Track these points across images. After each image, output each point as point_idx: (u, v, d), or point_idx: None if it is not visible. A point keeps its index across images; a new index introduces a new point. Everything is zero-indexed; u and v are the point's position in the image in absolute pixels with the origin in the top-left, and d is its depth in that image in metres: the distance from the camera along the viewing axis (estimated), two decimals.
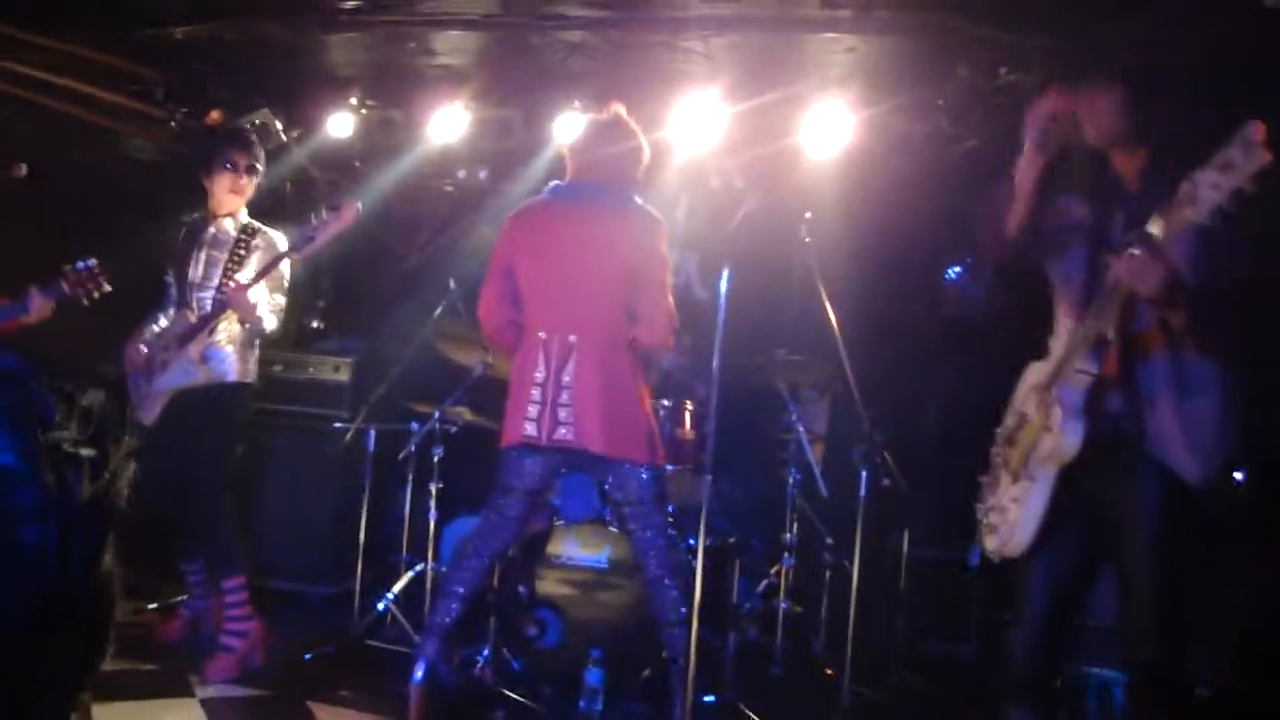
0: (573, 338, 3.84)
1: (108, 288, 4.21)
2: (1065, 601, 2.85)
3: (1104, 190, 2.80)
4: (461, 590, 3.97)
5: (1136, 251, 2.48)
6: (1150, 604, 2.62)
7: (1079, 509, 2.73)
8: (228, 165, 4.54)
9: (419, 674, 3.87)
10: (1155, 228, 2.47)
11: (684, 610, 3.87)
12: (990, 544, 2.91)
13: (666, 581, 3.92)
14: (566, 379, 3.82)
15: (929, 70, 4.81)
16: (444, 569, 4.24)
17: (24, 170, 4.26)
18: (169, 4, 4.77)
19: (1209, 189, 2.27)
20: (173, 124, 5.76)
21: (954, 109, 4.96)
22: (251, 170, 4.59)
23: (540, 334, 3.88)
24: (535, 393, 3.85)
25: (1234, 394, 2.62)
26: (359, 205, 4.42)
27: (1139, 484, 2.62)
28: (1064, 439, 2.66)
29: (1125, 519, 2.66)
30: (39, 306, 4.16)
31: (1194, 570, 2.67)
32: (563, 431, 3.81)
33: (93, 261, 4.18)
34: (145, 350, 4.51)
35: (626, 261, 3.87)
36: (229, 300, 4.35)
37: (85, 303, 4.18)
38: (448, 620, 3.95)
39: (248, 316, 4.38)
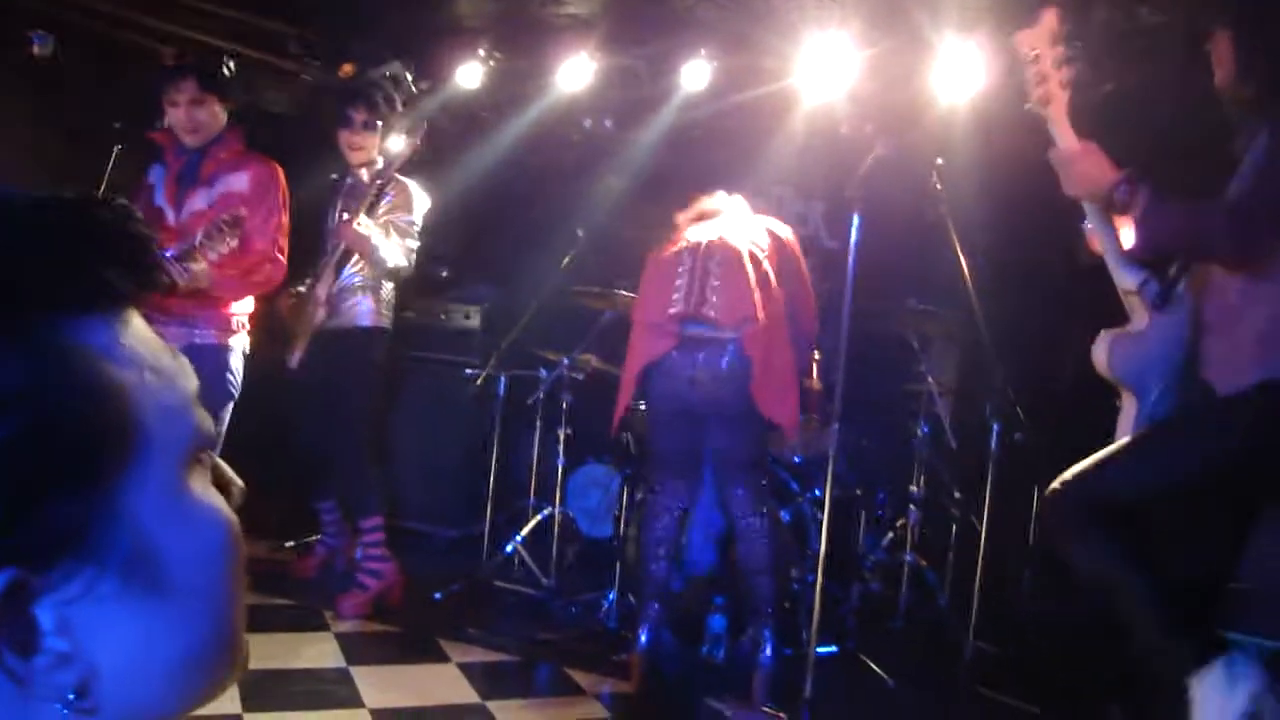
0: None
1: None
2: None
3: None
4: (662, 550, 4.03)
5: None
6: None
7: None
8: (346, 121, 4.60)
9: (644, 639, 3.97)
10: None
11: (768, 561, 3.89)
12: None
13: (754, 534, 3.93)
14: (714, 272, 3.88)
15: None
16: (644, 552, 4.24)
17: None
18: None
19: None
20: (305, 77, 5.88)
21: (1092, 52, 4.77)
22: (369, 126, 4.59)
23: None
24: (682, 269, 3.92)
25: None
26: None
27: None
28: None
29: None
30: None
31: None
32: (709, 310, 3.83)
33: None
34: (292, 298, 4.60)
35: None
36: (339, 235, 4.41)
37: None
38: (659, 581, 4.04)
39: (361, 250, 4.41)
